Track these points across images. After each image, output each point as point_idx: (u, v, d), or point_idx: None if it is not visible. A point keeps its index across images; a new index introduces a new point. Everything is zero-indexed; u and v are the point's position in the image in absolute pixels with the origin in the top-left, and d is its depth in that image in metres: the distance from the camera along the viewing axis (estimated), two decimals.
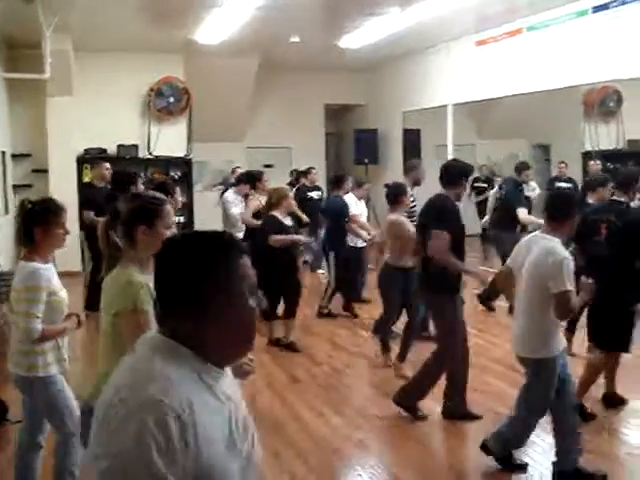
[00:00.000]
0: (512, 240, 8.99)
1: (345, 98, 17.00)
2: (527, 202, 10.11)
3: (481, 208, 14.84)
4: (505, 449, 4.76)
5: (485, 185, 14.84)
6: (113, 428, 1.45)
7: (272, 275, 7.54)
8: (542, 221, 9.17)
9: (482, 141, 16.39)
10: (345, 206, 9.40)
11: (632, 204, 6.24)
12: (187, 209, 13.74)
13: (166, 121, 13.92)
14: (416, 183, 8.19)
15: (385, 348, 7.32)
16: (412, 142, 15.30)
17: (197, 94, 13.90)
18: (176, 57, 13.59)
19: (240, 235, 8.98)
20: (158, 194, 3.41)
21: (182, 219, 13.58)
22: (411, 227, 6.92)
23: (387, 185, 7.81)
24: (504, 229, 9.52)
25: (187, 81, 13.81)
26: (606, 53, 9.42)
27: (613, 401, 5.98)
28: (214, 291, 1.62)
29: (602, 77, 10.58)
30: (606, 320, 5.51)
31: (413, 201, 7.88)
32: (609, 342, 5.64)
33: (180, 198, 8.56)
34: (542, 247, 4.39)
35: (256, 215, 8.86)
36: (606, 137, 14.63)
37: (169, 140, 13.83)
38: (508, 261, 4.85)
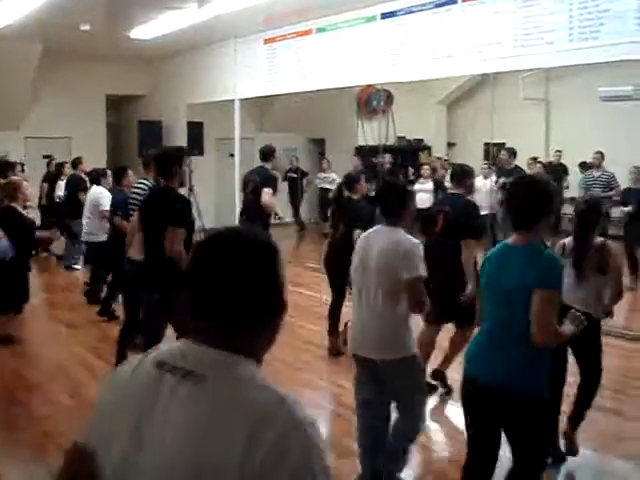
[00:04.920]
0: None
1: (127, 89, 16.80)
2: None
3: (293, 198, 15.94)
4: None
5: (295, 175, 15.73)
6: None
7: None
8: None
9: (261, 134, 16.99)
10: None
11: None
12: None
13: None
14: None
15: None
16: (195, 135, 15.56)
17: None
18: None
19: None
20: None
21: None
22: None
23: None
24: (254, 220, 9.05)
25: None
26: (387, 57, 10.20)
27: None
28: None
29: (380, 79, 11.47)
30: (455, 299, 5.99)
31: None
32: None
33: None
34: (388, 239, 4.27)
35: None
36: (377, 133, 15.67)
37: None
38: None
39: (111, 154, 17.04)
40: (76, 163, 12.46)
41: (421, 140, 17.30)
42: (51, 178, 13.21)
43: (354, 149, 16.18)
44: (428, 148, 17.36)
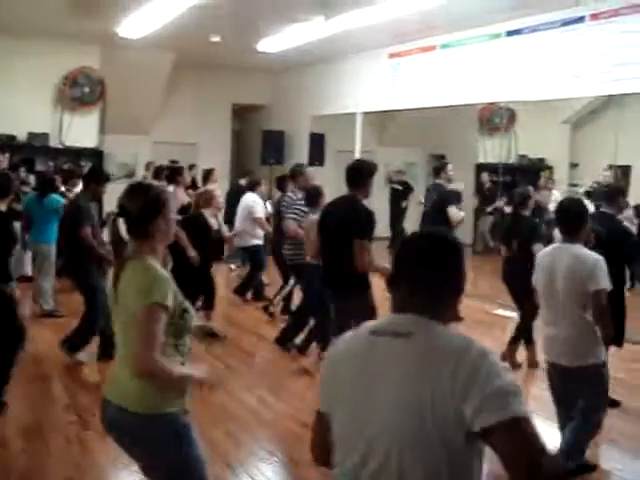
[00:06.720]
0: None
1: (252, 98, 17.23)
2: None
3: (394, 211, 15.79)
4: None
5: (400, 188, 15.69)
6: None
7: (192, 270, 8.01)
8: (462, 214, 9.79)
9: (381, 148, 17.06)
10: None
11: (621, 216, 6.71)
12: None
13: (79, 111, 13.86)
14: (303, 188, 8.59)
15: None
16: (317, 146, 15.76)
17: (111, 86, 13.92)
18: (93, 47, 13.56)
19: None
20: (157, 183, 3.31)
21: None
22: None
23: (306, 188, 8.30)
24: None
25: (102, 72, 13.80)
26: (511, 75, 10.10)
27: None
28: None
29: (504, 97, 11.39)
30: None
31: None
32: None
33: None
34: (572, 254, 4.57)
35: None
36: (499, 151, 15.54)
37: (81, 130, 13.77)
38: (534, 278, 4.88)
39: (234, 161, 17.52)
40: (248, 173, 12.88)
41: (543, 159, 16.97)
42: (195, 184, 13.25)
43: (474, 166, 16.09)
44: (550, 168, 17.00)
